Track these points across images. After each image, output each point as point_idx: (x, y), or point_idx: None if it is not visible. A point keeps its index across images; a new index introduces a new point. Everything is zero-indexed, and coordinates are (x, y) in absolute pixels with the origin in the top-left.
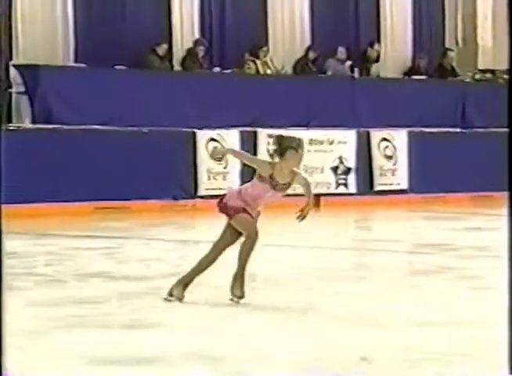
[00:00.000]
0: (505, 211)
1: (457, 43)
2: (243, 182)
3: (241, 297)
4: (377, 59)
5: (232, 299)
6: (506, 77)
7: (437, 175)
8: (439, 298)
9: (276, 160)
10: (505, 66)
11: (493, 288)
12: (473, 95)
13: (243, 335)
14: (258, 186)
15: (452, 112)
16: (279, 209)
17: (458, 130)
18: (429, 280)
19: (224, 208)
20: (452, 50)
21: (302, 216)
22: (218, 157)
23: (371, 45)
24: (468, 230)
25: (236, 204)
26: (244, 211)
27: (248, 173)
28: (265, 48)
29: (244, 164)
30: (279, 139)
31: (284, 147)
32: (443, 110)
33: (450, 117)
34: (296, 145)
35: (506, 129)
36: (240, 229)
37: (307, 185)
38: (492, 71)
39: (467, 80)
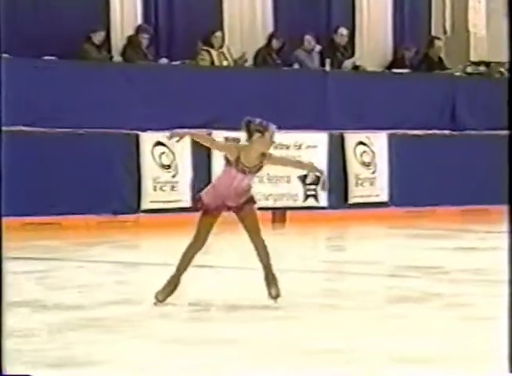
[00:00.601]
0: (503, 227)
1: (445, 31)
2: (194, 192)
3: (161, 301)
4: (353, 52)
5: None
6: (503, 70)
7: (423, 186)
8: (424, 330)
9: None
10: (501, 57)
11: (488, 319)
12: (464, 92)
13: (194, 373)
14: (227, 171)
15: (440, 111)
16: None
17: (447, 132)
18: (413, 308)
19: (197, 201)
20: (439, 39)
21: (322, 185)
22: (176, 139)
23: (335, 31)
24: (459, 250)
25: (207, 201)
26: (209, 212)
27: (201, 181)
28: (218, 33)
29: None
30: (247, 123)
31: (251, 131)
32: (430, 109)
33: (438, 117)
34: (262, 128)
35: (503, 131)
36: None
37: (291, 162)
38: (487, 64)
39: (458, 73)
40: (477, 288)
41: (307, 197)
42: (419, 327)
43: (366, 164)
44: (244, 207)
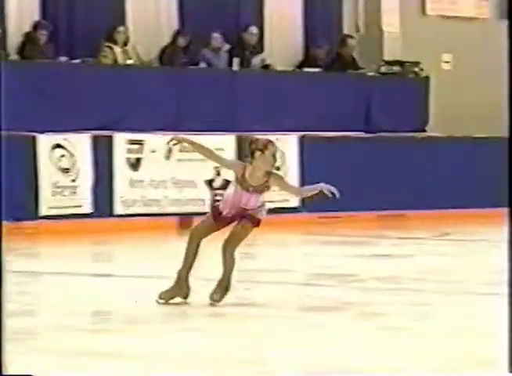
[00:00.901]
0: (419, 233)
1: (358, 29)
2: (96, 197)
3: (165, 301)
4: (261, 49)
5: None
6: (417, 70)
7: (336, 190)
8: (337, 340)
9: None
10: (416, 57)
11: (402, 328)
12: (378, 92)
13: None
14: (234, 188)
15: (353, 112)
16: (131, 233)
17: (361, 134)
18: (326, 317)
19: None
20: (352, 37)
21: (331, 195)
22: (173, 143)
23: (246, 29)
24: (375, 257)
25: (221, 207)
26: (219, 218)
27: (103, 184)
28: (121, 29)
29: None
30: (249, 142)
31: (252, 149)
32: (343, 110)
33: (351, 118)
34: (263, 147)
35: (419, 133)
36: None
37: (295, 189)
38: (401, 63)
39: (371, 73)
40: (392, 297)
41: (214, 201)
42: (333, 336)
43: (276, 168)
44: (243, 220)
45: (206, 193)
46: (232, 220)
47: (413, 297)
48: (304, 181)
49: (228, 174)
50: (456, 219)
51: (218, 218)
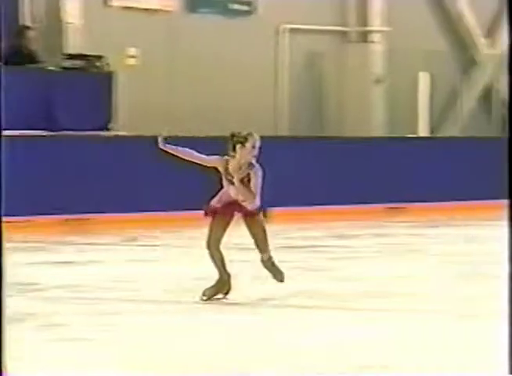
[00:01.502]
0: (105, 239)
1: (36, 20)
2: None
3: (208, 298)
4: None
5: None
6: (101, 64)
7: (19, 194)
8: (17, 354)
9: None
10: (100, 50)
11: (85, 339)
12: (61, 88)
13: None
14: (224, 183)
15: (34, 109)
16: None
17: (43, 133)
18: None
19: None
20: (31, 29)
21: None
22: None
23: None
24: (56, 265)
25: (213, 204)
26: (217, 212)
27: None
28: None
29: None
30: (231, 136)
31: (234, 143)
32: (23, 107)
33: (32, 115)
34: (243, 139)
35: (103, 132)
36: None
37: (251, 191)
38: (84, 57)
39: (52, 68)
40: (76, 306)
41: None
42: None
43: None
44: (248, 219)
45: None
46: (231, 212)
47: (99, 306)
48: None
49: None
50: (142, 224)
51: (216, 216)
